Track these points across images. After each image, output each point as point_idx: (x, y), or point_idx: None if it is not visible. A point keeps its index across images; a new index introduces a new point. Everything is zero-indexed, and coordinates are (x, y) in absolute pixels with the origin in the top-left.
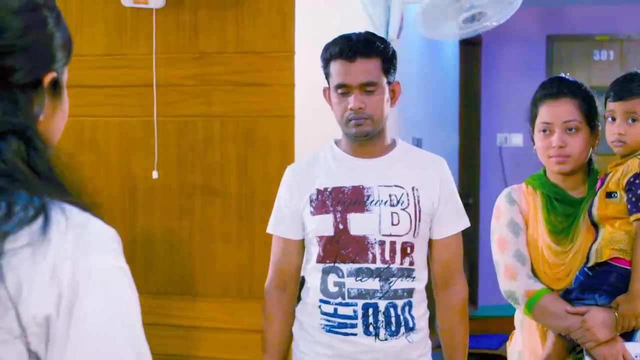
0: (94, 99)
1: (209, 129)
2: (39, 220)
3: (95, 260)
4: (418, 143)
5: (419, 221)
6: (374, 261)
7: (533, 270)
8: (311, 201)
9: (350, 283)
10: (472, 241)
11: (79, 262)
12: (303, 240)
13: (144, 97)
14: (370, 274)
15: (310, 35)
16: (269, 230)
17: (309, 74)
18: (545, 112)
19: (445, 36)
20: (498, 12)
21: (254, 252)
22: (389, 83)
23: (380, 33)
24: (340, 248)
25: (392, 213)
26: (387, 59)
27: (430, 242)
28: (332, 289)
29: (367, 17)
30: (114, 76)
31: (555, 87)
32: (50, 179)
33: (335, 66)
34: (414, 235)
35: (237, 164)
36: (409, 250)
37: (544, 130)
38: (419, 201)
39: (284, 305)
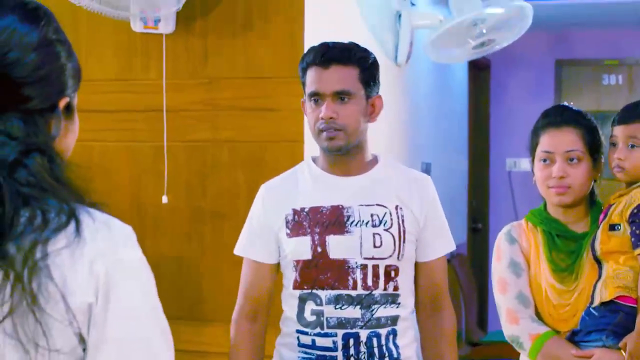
0: (103, 123)
1: (218, 154)
2: (72, 224)
3: (123, 254)
4: (427, 168)
5: (404, 242)
6: (354, 287)
7: (537, 312)
8: (287, 222)
9: (329, 311)
10: (482, 265)
11: (111, 257)
12: (277, 264)
13: (153, 122)
14: (351, 301)
15: None
16: (237, 251)
17: None
18: (547, 141)
19: (454, 59)
20: (507, 37)
21: None
22: (368, 96)
23: (390, 58)
24: (319, 273)
25: (374, 234)
26: (366, 69)
27: (416, 265)
28: (310, 317)
29: (376, 42)
30: (124, 101)
31: (559, 116)
32: (71, 188)
33: (309, 74)
34: (398, 257)
35: (247, 189)
36: (393, 274)
37: (545, 160)
38: (403, 221)
39: (254, 337)
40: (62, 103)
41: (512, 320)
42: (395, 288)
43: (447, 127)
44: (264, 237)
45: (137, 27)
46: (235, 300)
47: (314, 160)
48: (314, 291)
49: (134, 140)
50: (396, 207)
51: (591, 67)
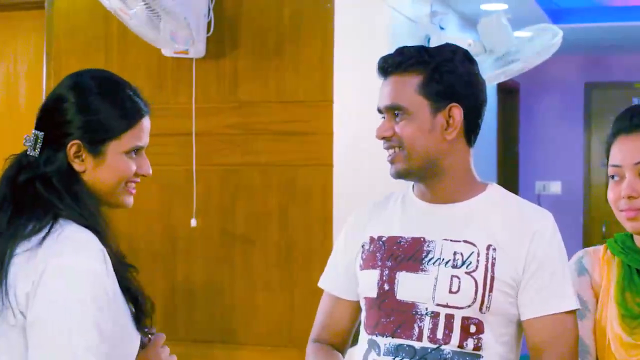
0: None
1: (249, 178)
2: (42, 233)
3: (63, 259)
4: None
5: (490, 291)
6: (419, 338)
7: None
8: (363, 251)
9: None
10: None
11: (52, 259)
12: (359, 302)
13: (183, 146)
14: (412, 354)
15: (349, 84)
16: (319, 283)
17: (347, 123)
18: (616, 152)
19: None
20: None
21: (295, 301)
22: (437, 108)
23: None
24: (381, 316)
25: (452, 277)
26: (432, 76)
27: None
28: None
29: None
30: (154, 125)
31: (628, 120)
32: (71, 206)
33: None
34: (481, 309)
35: (278, 213)
36: (473, 329)
37: (613, 176)
38: (493, 264)
39: (327, 351)
40: (69, 146)
41: None
42: (477, 347)
43: (476, 150)
44: (343, 268)
45: (167, 51)
46: (267, 324)
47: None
48: (374, 337)
49: (164, 164)
50: (488, 247)
51: (621, 90)
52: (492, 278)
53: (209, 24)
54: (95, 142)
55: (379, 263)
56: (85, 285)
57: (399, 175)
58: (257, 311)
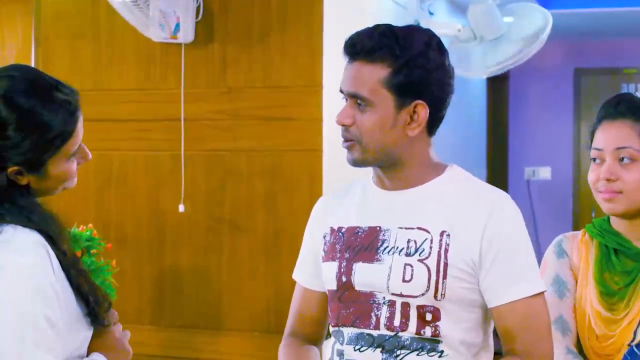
0: (122, 133)
1: (236, 163)
2: None
3: (2, 259)
4: None
5: (444, 278)
6: (376, 326)
7: (578, 342)
8: (325, 243)
9: (349, 353)
10: None
11: None
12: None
13: (171, 132)
14: (371, 342)
15: (338, 70)
16: (293, 274)
17: (336, 108)
18: (599, 137)
19: (473, 74)
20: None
21: (282, 287)
22: (401, 104)
23: None
24: (341, 307)
25: (405, 265)
26: (400, 70)
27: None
28: (335, 358)
29: None
30: (142, 110)
31: (613, 107)
32: (17, 214)
33: None
34: (435, 297)
35: (265, 199)
36: (429, 317)
37: (595, 159)
38: (446, 250)
39: (301, 350)
40: (10, 170)
41: None
42: (435, 334)
43: (465, 136)
44: (310, 259)
45: (156, 36)
46: (254, 310)
47: None
48: (340, 328)
49: (152, 150)
50: (442, 233)
51: (610, 76)
52: (446, 265)
53: (197, 9)
54: (35, 166)
55: (338, 255)
56: (25, 280)
57: (355, 163)
58: (243, 297)
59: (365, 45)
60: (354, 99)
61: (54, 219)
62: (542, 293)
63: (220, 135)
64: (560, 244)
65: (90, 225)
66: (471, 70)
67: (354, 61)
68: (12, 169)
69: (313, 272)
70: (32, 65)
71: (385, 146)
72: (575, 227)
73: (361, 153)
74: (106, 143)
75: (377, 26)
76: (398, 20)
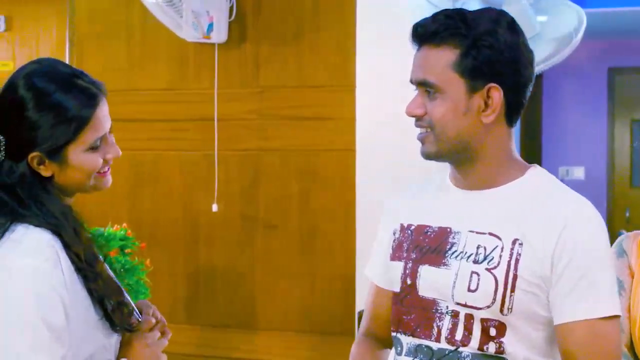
0: (155, 132)
1: (270, 163)
2: None
3: (8, 260)
4: None
5: (512, 291)
6: (437, 339)
7: (632, 347)
8: (394, 240)
9: None
10: None
11: (1, 260)
12: None
13: (205, 131)
14: (430, 355)
15: (371, 70)
16: (365, 270)
17: (369, 108)
18: None
19: None
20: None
21: (315, 286)
22: (473, 87)
23: None
24: (403, 312)
25: (472, 273)
26: (468, 51)
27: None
28: None
29: None
30: (176, 110)
31: None
32: (32, 211)
33: None
34: (502, 310)
35: (298, 198)
36: (493, 332)
37: None
38: (517, 261)
39: (374, 354)
40: (31, 157)
41: None
42: (500, 350)
43: None
44: (380, 254)
45: (189, 36)
46: (287, 309)
47: None
48: (398, 335)
49: (186, 149)
50: (514, 242)
51: None
52: (515, 276)
53: (230, 9)
54: (54, 151)
55: (404, 254)
56: (27, 282)
57: (428, 157)
58: (276, 296)
59: (430, 28)
60: (423, 87)
61: (73, 220)
62: (615, 317)
63: (253, 134)
64: (621, 243)
65: (124, 224)
66: None
67: (421, 47)
68: (32, 155)
69: (383, 268)
70: None
71: (459, 134)
72: (610, 227)
73: (435, 144)
74: (140, 143)
75: (445, 10)
76: None
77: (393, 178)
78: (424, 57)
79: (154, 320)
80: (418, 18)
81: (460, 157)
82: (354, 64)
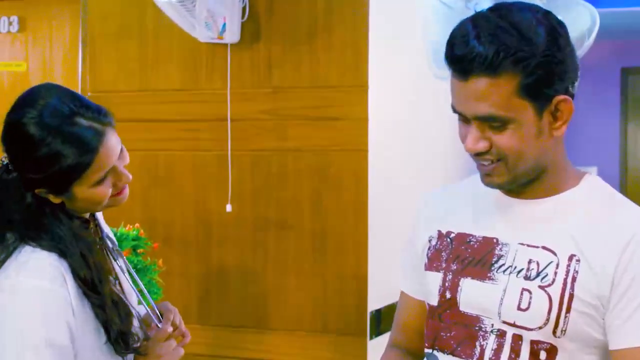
0: (168, 133)
1: (282, 163)
2: (3, 256)
3: (9, 280)
4: None
5: (567, 312)
6: (480, 359)
7: None
8: (429, 247)
9: None
10: None
11: (6, 280)
12: None
13: (218, 132)
14: None
15: (384, 70)
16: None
17: (382, 108)
18: None
19: None
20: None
21: (327, 287)
22: (542, 106)
23: None
24: (441, 328)
25: (522, 290)
26: (533, 72)
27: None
28: None
29: (442, 51)
30: (188, 110)
31: None
32: (40, 234)
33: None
34: (554, 332)
35: (311, 198)
36: (543, 355)
37: None
38: (574, 279)
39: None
40: (38, 191)
41: None
42: None
43: None
44: (411, 261)
45: (202, 36)
46: (300, 310)
47: None
48: (435, 352)
49: (199, 149)
50: (570, 257)
51: None
52: (571, 296)
53: (243, 9)
54: (59, 191)
55: (443, 265)
56: (32, 303)
57: (499, 187)
58: (289, 296)
59: (482, 56)
60: (486, 122)
61: (83, 243)
62: None
63: (266, 135)
64: None
65: (137, 224)
66: None
67: (470, 77)
68: (39, 190)
69: (415, 278)
70: (79, 66)
71: (536, 157)
72: None
73: (507, 174)
74: (152, 143)
75: (483, 27)
76: (445, 19)
77: (406, 178)
78: (480, 88)
79: (170, 330)
80: (431, 19)
81: (531, 175)
82: (366, 64)
